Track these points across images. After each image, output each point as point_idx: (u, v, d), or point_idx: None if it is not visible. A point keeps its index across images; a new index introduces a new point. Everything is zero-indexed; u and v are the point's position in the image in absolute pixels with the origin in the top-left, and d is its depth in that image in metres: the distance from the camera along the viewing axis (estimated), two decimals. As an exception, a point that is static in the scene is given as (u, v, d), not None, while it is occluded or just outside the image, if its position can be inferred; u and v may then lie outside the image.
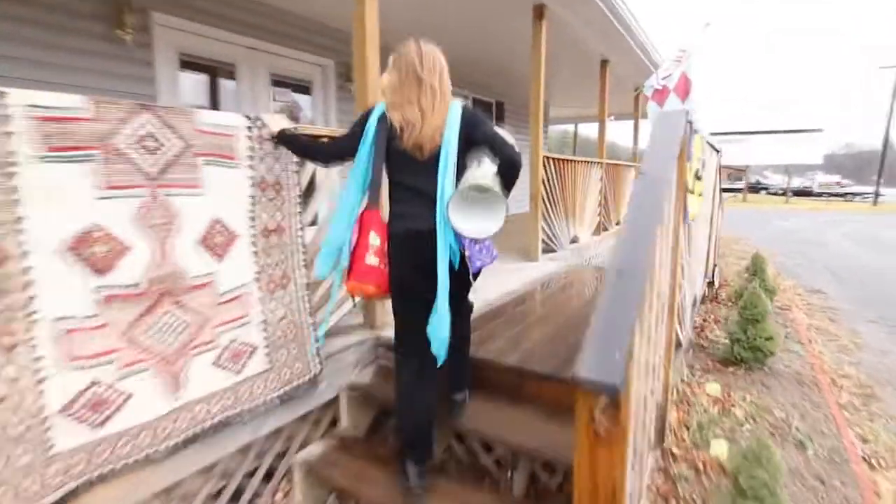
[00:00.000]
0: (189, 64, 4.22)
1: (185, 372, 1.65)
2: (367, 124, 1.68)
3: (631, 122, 9.07)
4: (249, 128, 1.79)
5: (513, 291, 3.38)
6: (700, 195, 3.20)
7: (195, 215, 1.64)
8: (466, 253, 1.71)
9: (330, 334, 2.30)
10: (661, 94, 6.11)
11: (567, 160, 5.00)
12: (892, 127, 25.32)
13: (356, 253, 1.69)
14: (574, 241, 5.44)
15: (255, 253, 1.83)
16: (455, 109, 1.68)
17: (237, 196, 1.76)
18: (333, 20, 5.16)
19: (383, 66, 1.88)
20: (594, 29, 5.12)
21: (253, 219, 1.81)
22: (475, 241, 1.71)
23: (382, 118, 1.67)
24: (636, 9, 5.18)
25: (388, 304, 1.82)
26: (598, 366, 0.94)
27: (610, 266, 1.14)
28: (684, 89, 5.92)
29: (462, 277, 1.73)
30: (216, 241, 1.70)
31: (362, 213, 1.72)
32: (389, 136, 1.66)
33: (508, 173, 1.65)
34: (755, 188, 36.57)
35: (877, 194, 25.51)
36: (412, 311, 1.71)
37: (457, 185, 1.60)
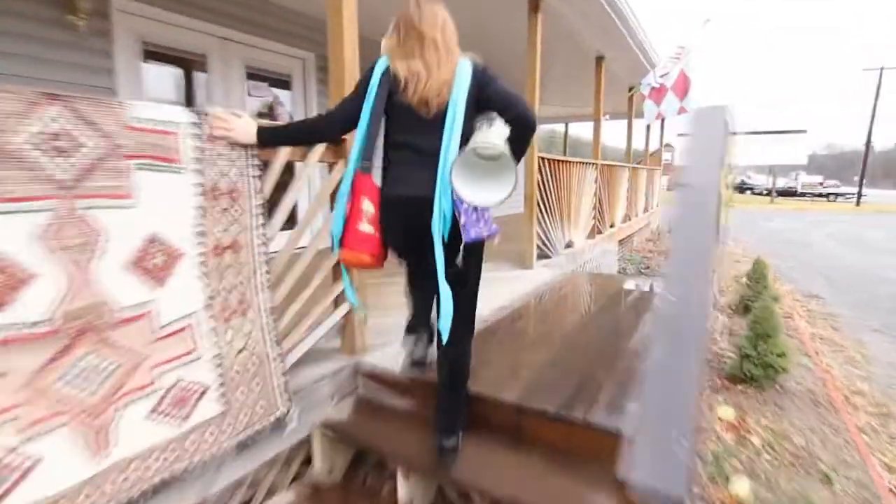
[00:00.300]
0: (154, 54, 3.86)
1: (114, 425, 1.33)
2: (371, 79, 1.55)
3: (623, 122, 8.85)
4: (197, 124, 1.47)
5: (507, 305, 3.10)
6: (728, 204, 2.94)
7: (125, 233, 1.33)
8: (461, 220, 1.50)
9: (301, 363, 2.00)
10: (658, 93, 5.89)
11: (562, 161, 4.74)
12: (874, 127, 25.63)
13: (349, 220, 1.60)
14: (569, 245, 5.19)
15: (205, 275, 1.52)
16: (465, 65, 1.56)
17: (181, 207, 1.45)
18: (313, 9, 4.82)
19: (363, 63, 1.74)
20: (590, 22, 4.86)
21: (201, 234, 1.50)
22: (475, 209, 1.53)
23: (386, 71, 1.55)
24: (634, 3, 4.94)
25: (370, 324, 1.85)
26: (655, 468, 0.65)
27: (660, 311, 0.86)
28: (683, 87, 5.70)
29: (454, 252, 1.54)
30: (153, 262, 1.39)
31: (354, 178, 1.61)
32: (392, 91, 1.54)
33: (522, 134, 1.52)
34: (740, 188, 36.87)
35: (859, 195, 25.80)
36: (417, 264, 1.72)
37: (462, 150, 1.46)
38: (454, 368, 1.71)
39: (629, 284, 4.00)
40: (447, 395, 1.72)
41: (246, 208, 1.63)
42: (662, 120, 5.85)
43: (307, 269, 1.97)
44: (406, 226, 1.60)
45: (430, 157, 1.50)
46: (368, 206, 1.58)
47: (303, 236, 1.97)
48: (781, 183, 35.17)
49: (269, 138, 1.64)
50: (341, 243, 1.62)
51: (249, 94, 4.62)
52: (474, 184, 1.44)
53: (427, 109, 1.52)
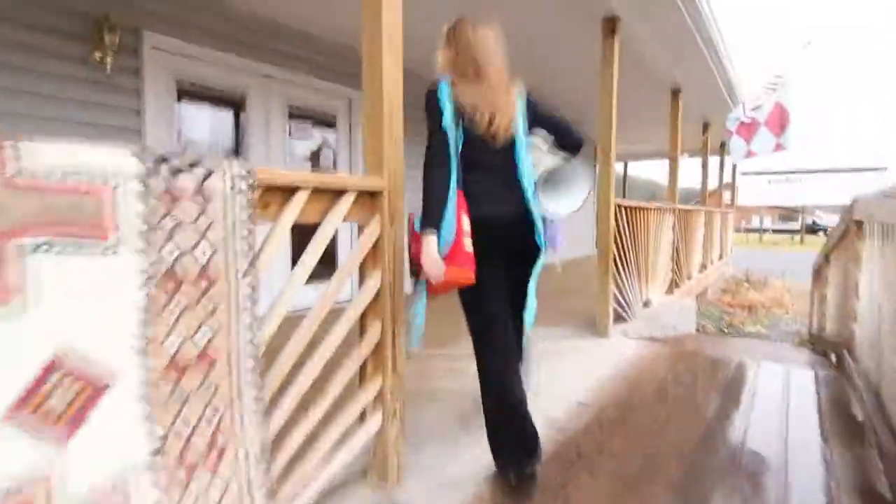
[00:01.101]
0: (189, 93, 3.57)
1: None
2: (443, 111, 1.55)
3: (688, 160, 8.04)
4: (147, 175, 0.95)
5: (588, 401, 2.39)
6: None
7: (4, 356, 0.79)
8: (547, 234, 1.72)
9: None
10: (748, 129, 5.13)
11: (641, 208, 4.04)
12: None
13: (457, 237, 1.52)
14: (646, 304, 4.41)
15: (150, 411, 0.96)
16: (520, 96, 1.71)
17: (111, 308, 0.91)
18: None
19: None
20: (670, 48, 4.24)
21: (144, 349, 0.95)
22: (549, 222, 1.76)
23: (451, 98, 1.56)
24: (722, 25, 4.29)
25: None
26: None
27: None
28: (779, 122, 4.92)
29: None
30: (53, 403, 0.84)
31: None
32: (461, 120, 1.57)
33: (575, 153, 1.77)
34: (812, 229, 34.11)
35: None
36: (499, 299, 1.63)
37: None
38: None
39: (749, 364, 3.15)
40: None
41: (225, 299, 1.07)
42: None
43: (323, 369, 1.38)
44: (501, 239, 1.63)
45: (509, 178, 1.64)
46: (466, 224, 1.53)
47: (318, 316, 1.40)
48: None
49: (436, 221, 1.50)
50: (447, 261, 1.50)
51: (290, 136, 4.28)
52: (555, 199, 1.68)
53: (495, 140, 1.61)
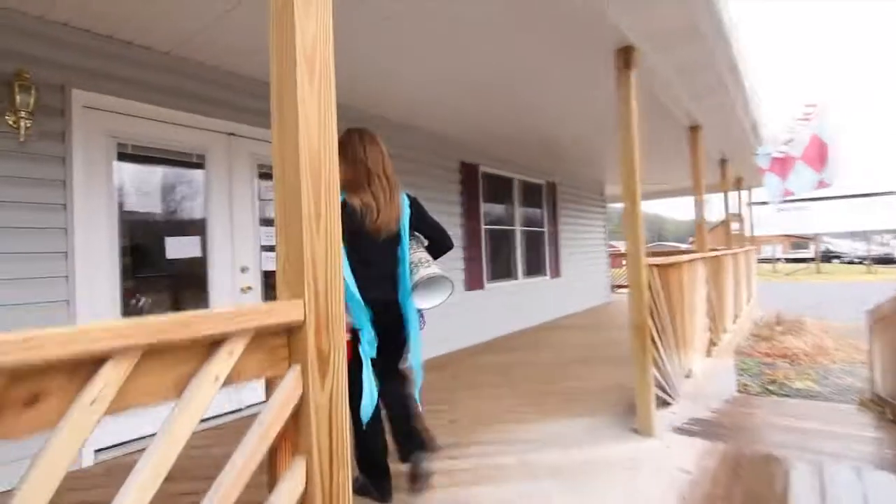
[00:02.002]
0: (130, 157, 3.04)
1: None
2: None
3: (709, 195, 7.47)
4: None
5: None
6: None
7: None
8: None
9: None
10: (782, 165, 4.53)
11: (673, 264, 3.40)
12: None
13: None
14: (688, 375, 3.69)
15: None
16: (405, 199, 2.17)
17: None
18: (354, 97, 4.03)
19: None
20: (690, 80, 3.73)
21: None
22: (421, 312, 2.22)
23: (343, 203, 1.90)
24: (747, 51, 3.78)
25: None
26: None
27: None
28: (818, 156, 4.33)
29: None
30: None
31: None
32: (352, 219, 1.92)
33: (443, 254, 2.32)
34: (827, 257, 33.16)
35: None
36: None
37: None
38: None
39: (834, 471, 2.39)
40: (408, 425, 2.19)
41: None
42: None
43: None
44: (380, 314, 2.02)
45: (389, 270, 2.09)
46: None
47: None
48: (863, 248, 31.28)
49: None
50: None
51: (261, 199, 3.73)
52: (424, 297, 2.16)
53: (379, 235, 2.03)
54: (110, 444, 2.85)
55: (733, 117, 4.70)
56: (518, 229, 6.84)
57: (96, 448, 2.78)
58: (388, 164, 2.12)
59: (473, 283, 5.76)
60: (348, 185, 2.00)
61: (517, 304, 6.66)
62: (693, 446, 2.68)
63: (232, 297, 3.40)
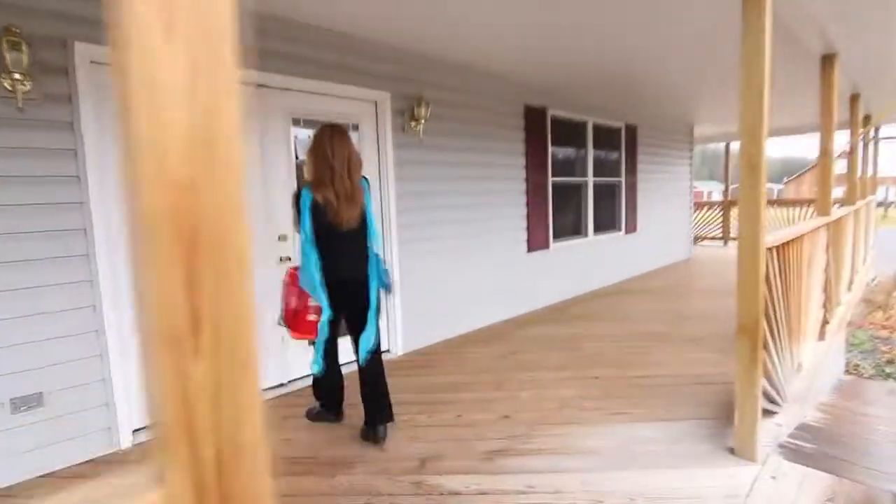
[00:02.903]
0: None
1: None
2: (303, 207, 2.29)
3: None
4: None
5: None
6: None
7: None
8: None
9: None
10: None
11: (794, 240, 2.67)
12: None
13: (300, 315, 2.45)
14: (798, 370, 3.05)
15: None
16: (365, 185, 2.45)
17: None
18: (395, 37, 3.47)
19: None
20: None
21: None
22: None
23: (307, 194, 2.30)
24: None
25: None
26: None
27: None
28: None
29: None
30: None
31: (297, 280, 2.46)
32: (316, 212, 2.29)
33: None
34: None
35: None
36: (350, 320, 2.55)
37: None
38: (378, 371, 2.57)
39: None
40: (375, 390, 2.55)
41: None
42: None
43: None
44: (345, 292, 2.43)
45: (354, 254, 2.44)
46: (312, 301, 2.42)
47: None
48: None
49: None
50: (293, 330, 2.49)
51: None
52: None
53: (341, 227, 2.35)
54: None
55: (885, 41, 3.61)
56: (590, 181, 6.08)
57: (134, 428, 2.70)
58: (354, 165, 2.35)
59: (536, 242, 5.20)
60: (313, 181, 2.32)
61: (586, 264, 6.05)
62: (804, 480, 2.13)
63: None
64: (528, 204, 5.09)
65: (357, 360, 2.49)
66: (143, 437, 2.68)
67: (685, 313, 5.01)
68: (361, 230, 2.40)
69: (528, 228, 5.11)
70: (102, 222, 2.48)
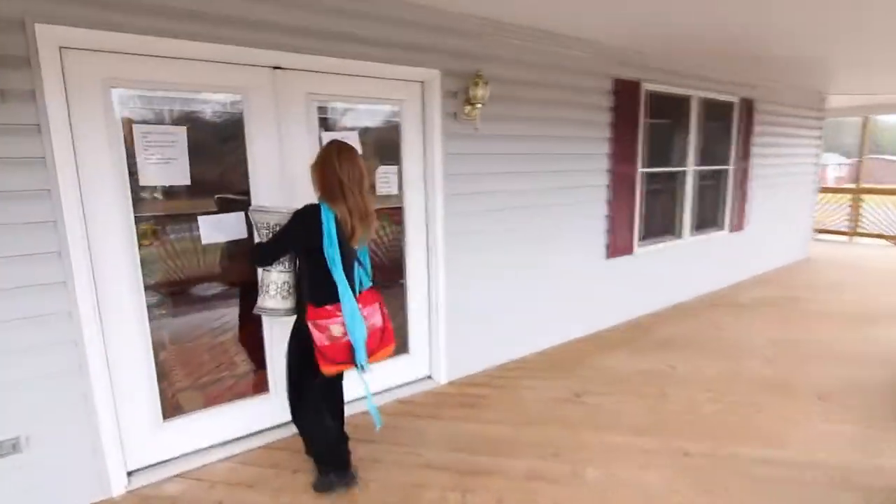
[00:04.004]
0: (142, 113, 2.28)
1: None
2: (325, 218, 2.00)
3: None
4: None
5: None
6: None
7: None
8: None
9: None
10: None
11: None
12: None
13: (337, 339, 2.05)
14: None
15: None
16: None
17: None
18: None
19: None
20: None
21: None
22: None
23: (328, 209, 2.02)
24: None
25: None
26: None
27: None
28: None
29: None
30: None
31: (327, 309, 2.04)
32: (340, 228, 2.03)
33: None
34: None
35: None
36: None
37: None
38: None
39: None
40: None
41: None
42: None
43: None
44: None
45: (351, 272, 2.15)
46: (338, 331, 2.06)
47: None
48: None
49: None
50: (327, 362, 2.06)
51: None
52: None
53: (350, 245, 2.09)
54: (148, 462, 2.44)
55: None
56: (690, 169, 5.01)
57: (130, 468, 2.38)
58: (366, 182, 2.12)
59: (618, 246, 4.33)
60: (323, 196, 2.07)
61: (678, 271, 5.06)
62: None
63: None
64: (610, 201, 4.20)
65: None
66: (141, 480, 2.36)
67: (809, 346, 3.96)
68: (356, 257, 2.21)
69: (609, 230, 4.25)
70: (84, 269, 2.09)
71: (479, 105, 3.03)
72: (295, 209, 2.06)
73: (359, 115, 2.98)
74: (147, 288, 2.37)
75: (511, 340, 3.71)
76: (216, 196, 2.65)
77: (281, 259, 2.17)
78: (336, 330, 2.01)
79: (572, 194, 3.92)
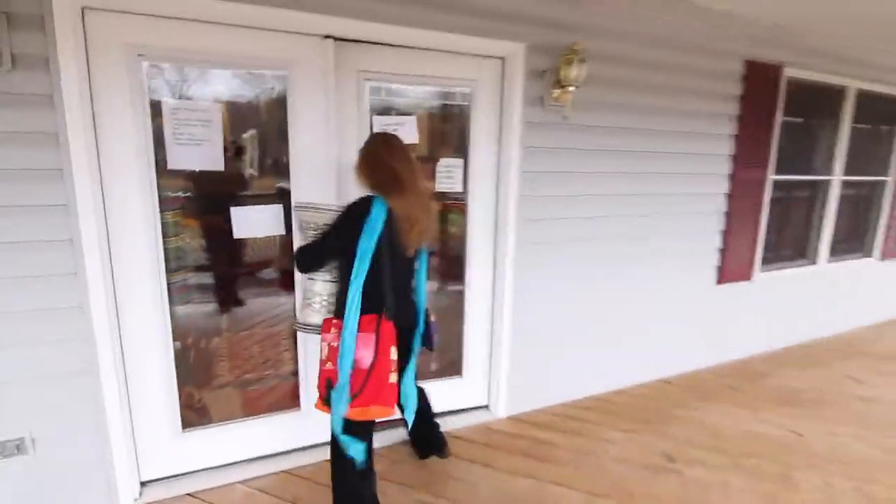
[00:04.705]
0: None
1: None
2: (372, 212, 1.63)
3: None
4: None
5: None
6: None
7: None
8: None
9: None
10: None
11: None
12: None
13: (376, 373, 1.63)
14: None
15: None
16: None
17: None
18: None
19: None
20: None
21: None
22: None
23: (385, 210, 1.65)
24: None
25: None
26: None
27: None
28: None
29: None
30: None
31: (379, 324, 1.66)
32: (390, 227, 1.65)
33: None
34: None
35: None
36: None
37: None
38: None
39: None
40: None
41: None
42: None
43: None
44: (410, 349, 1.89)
45: (408, 288, 1.89)
46: (394, 354, 1.67)
47: None
48: None
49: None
50: (362, 399, 1.62)
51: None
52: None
53: (407, 250, 1.75)
54: (164, 474, 2.21)
55: None
56: (835, 179, 4.01)
57: (143, 479, 2.17)
58: (420, 171, 1.79)
59: (733, 269, 3.53)
60: (380, 189, 1.72)
61: (807, 304, 4.11)
62: None
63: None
64: (727, 213, 3.41)
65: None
66: (156, 492, 2.14)
67: None
68: (414, 261, 1.89)
69: (722, 249, 3.46)
70: (98, 257, 1.85)
71: (571, 88, 2.45)
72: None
73: (419, 99, 2.54)
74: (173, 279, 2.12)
75: (587, 373, 3.11)
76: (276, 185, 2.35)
77: (327, 265, 1.82)
78: (322, 351, 1.73)
79: (679, 203, 3.20)
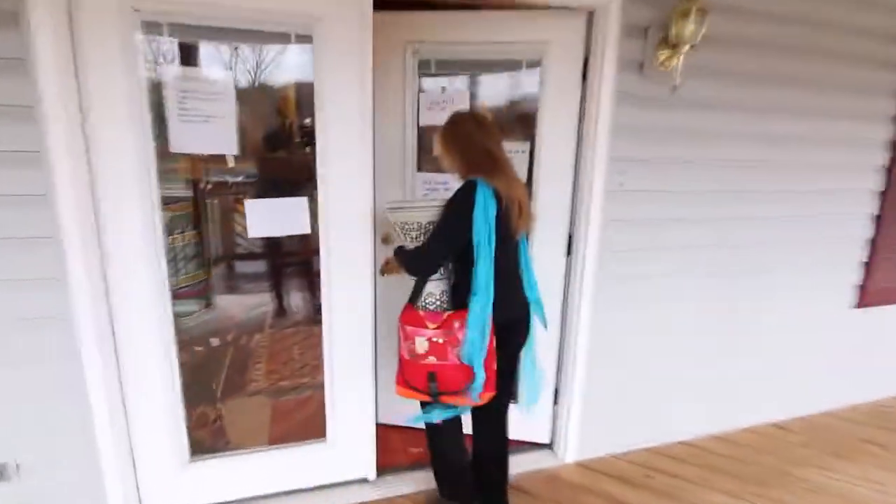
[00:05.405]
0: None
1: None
2: (478, 195, 1.47)
3: None
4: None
5: None
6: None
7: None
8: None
9: None
10: None
11: None
12: None
13: (488, 363, 1.54)
14: None
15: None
16: None
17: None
18: None
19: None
20: None
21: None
22: None
23: (485, 185, 1.48)
24: None
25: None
26: None
27: None
28: None
29: None
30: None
31: (419, 315, 1.58)
32: (498, 211, 1.49)
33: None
34: None
35: None
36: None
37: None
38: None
39: None
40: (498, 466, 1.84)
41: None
42: None
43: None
44: (516, 345, 1.70)
45: (518, 279, 1.68)
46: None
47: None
48: None
49: None
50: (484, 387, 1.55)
51: (423, 112, 1.92)
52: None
53: (514, 236, 1.59)
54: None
55: None
56: None
57: (146, 518, 1.87)
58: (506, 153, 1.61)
59: (879, 290, 2.74)
60: (478, 171, 1.53)
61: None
62: None
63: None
64: (878, 219, 2.63)
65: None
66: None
67: None
68: (519, 245, 1.70)
69: (867, 263, 2.68)
70: (80, 261, 1.54)
71: (684, 49, 1.83)
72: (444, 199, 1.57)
73: (475, 71, 2.03)
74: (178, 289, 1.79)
75: (679, 413, 2.50)
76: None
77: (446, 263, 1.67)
78: (420, 345, 1.54)
79: (809, 205, 2.47)
